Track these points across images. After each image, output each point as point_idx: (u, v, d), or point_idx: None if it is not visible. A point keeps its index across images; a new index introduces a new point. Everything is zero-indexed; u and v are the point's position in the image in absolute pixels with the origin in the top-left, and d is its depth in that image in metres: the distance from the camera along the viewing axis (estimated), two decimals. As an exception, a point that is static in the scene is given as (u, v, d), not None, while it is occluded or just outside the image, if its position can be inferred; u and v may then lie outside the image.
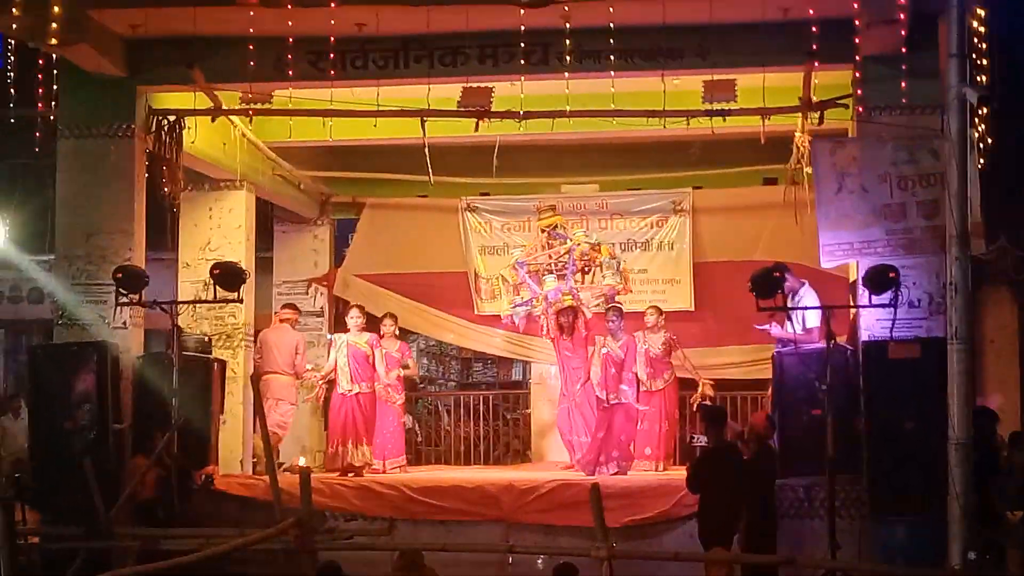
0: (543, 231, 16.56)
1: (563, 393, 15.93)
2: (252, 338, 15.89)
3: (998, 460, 12.13)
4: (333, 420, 15.63)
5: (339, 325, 17.15)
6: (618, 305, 15.81)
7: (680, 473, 13.43)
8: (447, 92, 14.36)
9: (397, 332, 16.29)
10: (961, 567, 10.10)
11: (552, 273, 16.02)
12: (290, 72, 13.52)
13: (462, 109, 14.26)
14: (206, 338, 14.86)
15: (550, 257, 16.17)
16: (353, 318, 15.78)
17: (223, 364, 14.68)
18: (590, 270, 16.23)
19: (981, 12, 12.74)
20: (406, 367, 16.10)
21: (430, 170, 14.27)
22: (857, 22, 12.58)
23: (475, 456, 18.07)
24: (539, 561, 12.11)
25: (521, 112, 13.77)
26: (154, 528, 11.21)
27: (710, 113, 13.82)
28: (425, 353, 22.34)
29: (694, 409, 15.45)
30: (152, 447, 12.28)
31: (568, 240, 16.19)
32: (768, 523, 11.95)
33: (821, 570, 10.73)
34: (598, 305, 16.04)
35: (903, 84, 12.80)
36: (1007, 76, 14.34)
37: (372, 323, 16.16)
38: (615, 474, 14.73)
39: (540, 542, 12.83)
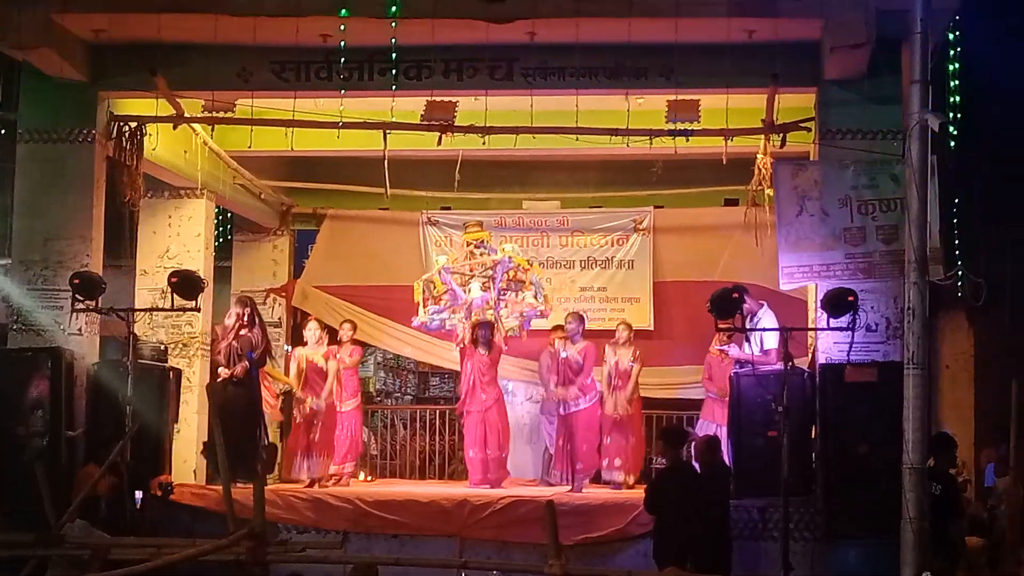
0: (468, 244, 16.40)
1: (467, 408, 15.68)
2: (208, 347, 15.80)
3: (956, 486, 12.17)
4: (292, 433, 15.55)
5: (297, 336, 17.08)
6: (579, 312, 15.89)
7: (637, 492, 13.41)
8: (411, 105, 14.38)
9: (353, 337, 16.29)
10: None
11: (478, 281, 15.90)
12: (253, 81, 13.48)
13: (425, 123, 14.26)
14: (162, 346, 14.77)
15: (472, 268, 16.02)
16: (311, 331, 15.70)
17: (178, 373, 14.58)
18: (519, 289, 16.11)
19: (950, 36, 12.86)
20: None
21: (387, 183, 14.21)
22: (823, 46, 12.66)
23: (430, 470, 18.01)
24: (491, 576, 12.09)
25: (485, 127, 13.76)
26: (104, 536, 11.10)
27: (673, 133, 13.85)
28: (382, 366, 22.27)
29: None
30: (106, 455, 12.17)
31: (496, 252, 16.05)
32: (720, 543, 11.91)
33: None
34: (511, 329, 16.01)
35: (865, 109, 12.91)
36: (971, 103, 14.46)
37: (331, 337, 16.10)
38: (570, 491, 14.69)
39: (494, 558, 12.77)
